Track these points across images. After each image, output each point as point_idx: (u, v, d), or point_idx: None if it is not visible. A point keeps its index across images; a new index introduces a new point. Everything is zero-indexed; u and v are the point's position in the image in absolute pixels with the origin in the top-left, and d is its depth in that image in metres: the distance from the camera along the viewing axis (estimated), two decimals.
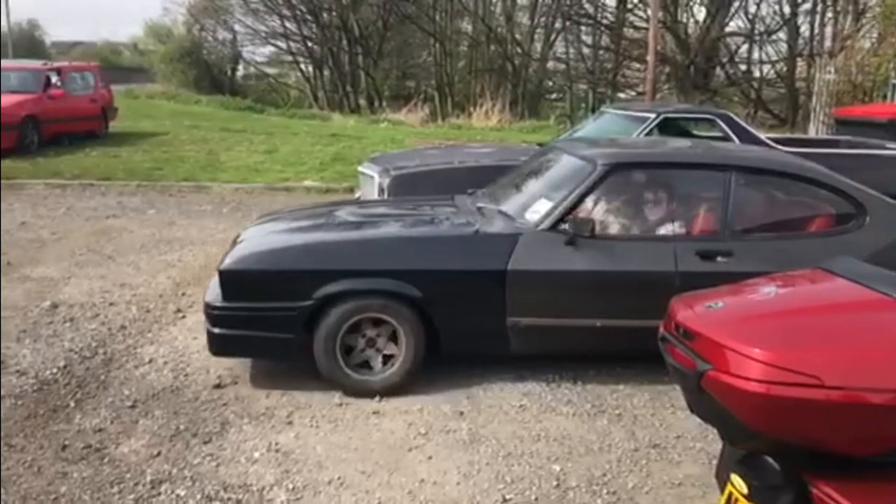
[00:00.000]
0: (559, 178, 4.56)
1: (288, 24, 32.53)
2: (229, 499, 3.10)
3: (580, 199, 4.24)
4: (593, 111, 16.72)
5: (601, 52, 28.08)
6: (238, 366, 4.24)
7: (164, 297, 5.58)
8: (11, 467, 3.26)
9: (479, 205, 4.67)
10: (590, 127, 8.23)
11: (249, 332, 4.05)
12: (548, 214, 4.19)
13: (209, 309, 4.07)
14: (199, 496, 3.11)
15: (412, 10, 29.24)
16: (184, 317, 5.19)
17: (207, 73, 32.91)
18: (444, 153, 8.15)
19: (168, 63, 31.99)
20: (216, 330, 4.05)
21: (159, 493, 3.12)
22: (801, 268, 4.02)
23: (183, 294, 5.66)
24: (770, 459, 2.06)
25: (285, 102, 30.00)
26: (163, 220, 8.28)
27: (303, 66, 34.46)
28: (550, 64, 29.59)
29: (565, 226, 4.10)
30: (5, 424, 3.62)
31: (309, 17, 31.44)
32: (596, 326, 4.11)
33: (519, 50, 28.16)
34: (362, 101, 30.64)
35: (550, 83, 30.42)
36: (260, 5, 31.41)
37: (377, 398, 3.98)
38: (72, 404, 3.84)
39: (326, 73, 33.18)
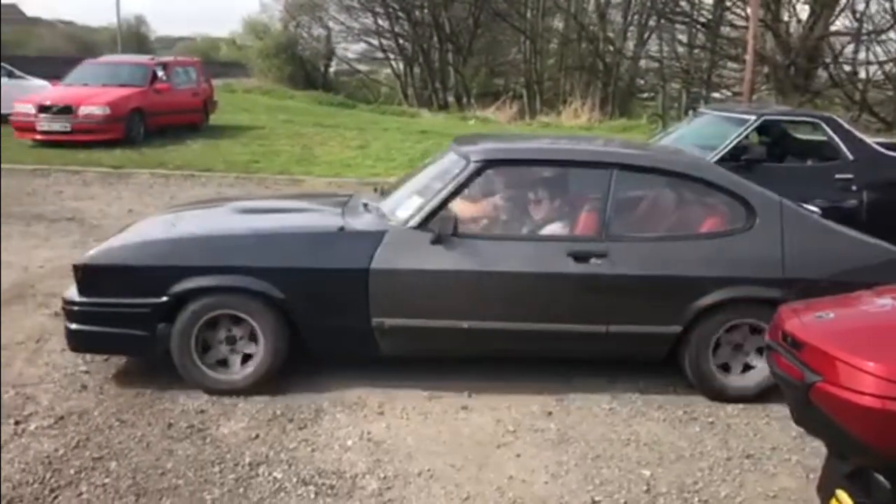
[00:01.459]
0: (437, 174, 4.35)
1: (381, 21, 32.98)
2: (323, 484, 3.19)
3: (450, 197, 4.04)
4: (686, 111, 16.34)
5: (696, 50, 27.37)
6: (328, 360, 4.34)
7: None
8: (123, 441, 3.45)
9: (365, 201, 4.44)
10: (686, 128, 8.05)
11: (105, 328, 3.92)
12: (416, 212, 4.02)
13: (65, 304, 3.98)
14: (294, 479, 3.22)
15: (503, 8, 29.19)
16: None
17: (301, 68, 33.69)
18: None
19: (264, 58, 32.88)
20: (72, 326, 3.95)
21: (257, 475, 3.24)
22: (682, 271, 3.90)
23: None
24: (880, 477, 2.00)
25: (376, 98, 30.46)
26: None
27: (394, 62, 34.89)
28: (643, 62, 29.08)
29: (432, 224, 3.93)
30: (117, 401, 3.83)
31: (401, 14, 31.80)
32: (464, 328, 3.94)
33: (611, 48, 27.76)
34: (451, 98, 30.80)
35: (642, 82, 29.89)
36: (354, 2, 31.97)
37: (466, 394, 4.03)
38: (176, 387, 4.02)
39: (416, 69, 33.49)
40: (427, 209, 4.00)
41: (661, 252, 4.00)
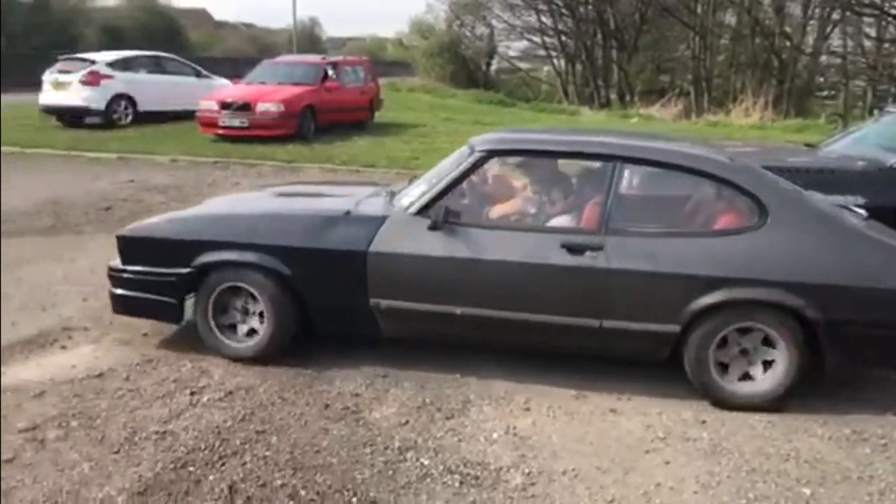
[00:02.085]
0: (448, 164, 4.34)
1: (544, 19, 32.89)
2: (468, 474, 3.25)
3: (452, 185, 4.11)
4: (871, 111, 15.13)
5: (886, 45, 25.26)
6: (477, 352, 4.40)
7: None
8: (284, 418, 3.67)
9: (393, 190, 4.59)
10: (870, 127, 7.47)
11: (140, 294, 4.32)
12: (417, 199, 4.11)
13: (109, 271, 4.42)
14: (440, 467, 3.29)
15: (672, 3, 28.22)
16: None
17: (464, 67, 34.21)
18: None
19: (428, 58, 33.67)
20: (115, 291, 4.41)
21: (405, 460, 3.35)
22: (680, 268, 3.69)
23: None
24: None
25: (535, 96, 30.38)
26: None
27: (555, 60, 34.69)
28: (823, 58, 27.23)
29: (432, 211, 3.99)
30: (279, 380, 4.08)
31: (565, 11, 31.54)
32: (457, 314, 3.96)
33: (788, 43, 26.16)
34: (613, 96, 30.22)
35: (822, 79, 27.98)
36: (518, 0, 32.01)
37: (615, 396, 3.96)
38: (334, 369, 4.22)
39: (578, 67, 33.11)
40: (427, 196, 4.09)
41: (661, 248, 3.81)
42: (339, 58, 17.33)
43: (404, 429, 3.61)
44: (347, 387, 4.02)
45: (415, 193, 4.22)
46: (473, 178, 4.31)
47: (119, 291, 4.42)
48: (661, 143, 4.41)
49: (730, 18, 28.94)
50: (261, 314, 4.23)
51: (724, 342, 3.84)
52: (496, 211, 4.44)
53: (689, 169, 4.02)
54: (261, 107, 13.25)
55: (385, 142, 13.66)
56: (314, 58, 16.65)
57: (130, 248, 4.38)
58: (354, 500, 3.06)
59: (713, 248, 3.80)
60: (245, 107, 13.27)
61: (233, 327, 4.32)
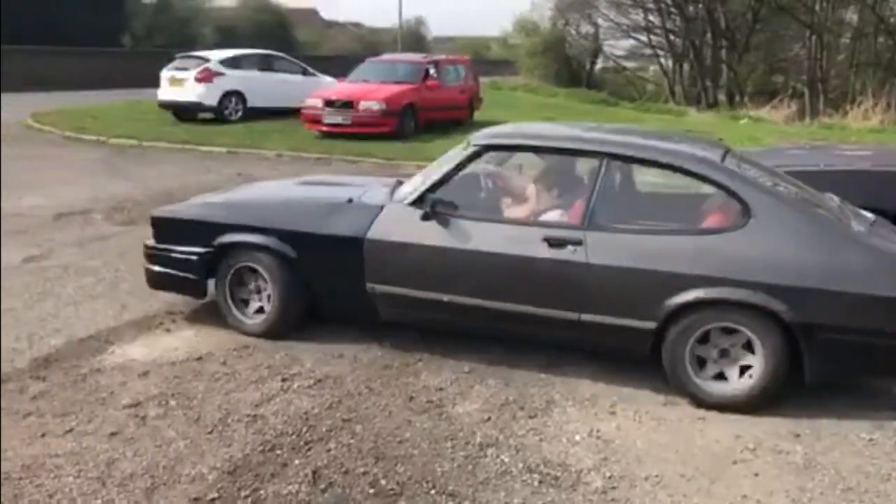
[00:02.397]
0: (447, 157, 4.55)
1: (651, 18, 32.22)
2: (548, 474, 3.23)
3: (446, 177, 4.29)
4: None
5: None
6: (564, 353, 4.36)
7: None
8: (369, 408, 3.75)
9: (401, 181, 4.85)
10: None
11: (170, 270, 4.70)
12: (413, 190, 4.32)
13: (145, 248, 4.84)
14: (520, 465, 3.29)
15: (787, 1, 27.09)
16: None
17: (567, 66, 33.91)
18: (810, 154, 7.48)
19: (532, 56, 33.54)
20: (149, 266, 4.82)
21: (485, 456, 3.36)
22: (657, 265, 3.71)
23: None
24: None
25: (640, 96, 29.79)
26: None
27: (662, 59, 33.91)
28: None
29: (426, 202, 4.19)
30: (367, 371, 4.17)
31: (673, 10, 30.79)
32: (443, 301, 4.13)
33: None
34: (721, 97, 29.30)
35: None
36: None
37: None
38: (420, 363, 4.28)
39: (686, 66, 32.24)
40: (423, 188, 4.28)
41: (641, 245, 3.85)
42: (441, 57, 17.48)
43: (486, 425, 3.63)
44: (432, 381, 4.07)
45: (413, 184, 4.43)
46: (468, 171, 4.45)
47: (152, 267, 4.82)
48: (651, 141, 4.44)
49: (850, 16, 27.54)
50: (269, 295, 4.54)
51: (705, 339, 3.81)
52: (488, 204, 4.58)
53: (674, 167, 4.02)
54: (363, 104, 13.53)
55: None
56: (416, 57, 16.86)
57: (162, 227, 4.80)
58: (433, 491, 3.10)
59: (693, 246, 3.80)
60: (348, 104, 13.58)
61: (247, 303, 4.65)
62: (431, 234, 4.15)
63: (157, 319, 4.83)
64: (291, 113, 15.06)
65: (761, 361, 3.71)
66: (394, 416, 3.68)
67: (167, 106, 16.08)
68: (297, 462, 3.26)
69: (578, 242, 3.90)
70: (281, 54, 18.68)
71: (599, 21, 34.45)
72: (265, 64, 17.29)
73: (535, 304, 4.00)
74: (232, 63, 16.27)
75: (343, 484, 3.13)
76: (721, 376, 3.83)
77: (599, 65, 37.27)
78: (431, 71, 15.17)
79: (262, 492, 3.06)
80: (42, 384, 3.89)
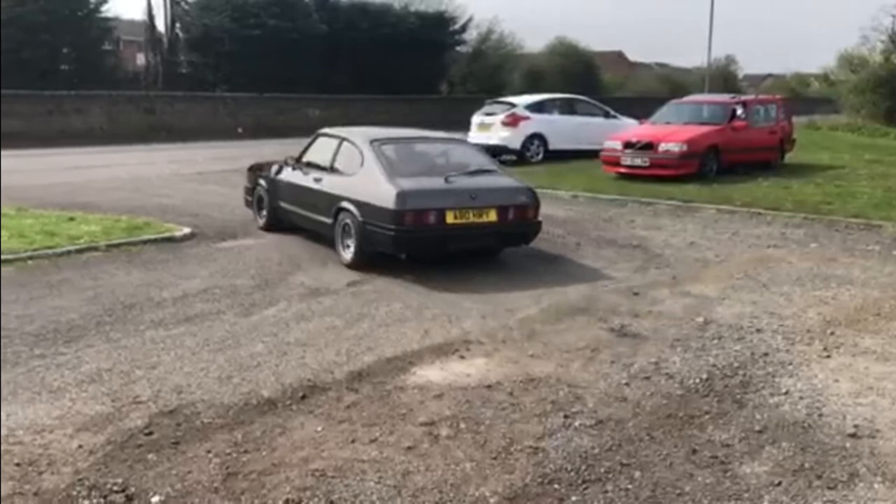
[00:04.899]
0: (308, 143, 9.05)
1: None
2: None
3: (305, 151, 8.72)
4: None
5: None
6: (868, 420, 3.92)
7: (811, 333, 5.49)
8: (649, 455, 3.70)
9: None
10: None
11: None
12: (299, 156, 8.77)
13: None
14: None
15: None
16: (828, 356, 5.04)
17: None
18: None
19: (858, 94, 30.62)
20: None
21: None
22: (332, 191, 7.74)
23: (831, 333, 5.48)
24: None
25: None
26: (824, 255, 8.09)
27: None
28: None
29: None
30: (651, 418, 4.12)
31: None
32: (295, 211, 8.56)
33: None
34: None
35: None
36: None
37: None
38: (707, 416, 4.13)
39: None
40: (298, 155, 8.75)
41: (335, 180, 7.80)
42: (750, 97, 16.69)
43: (776, 490, 3.40)
44: (719, 435, 3.91)
45: (295, 157, 8.81)
46: (311, 148, 8.68)
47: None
48: (361, 129, 8.77)
49: None
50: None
51: (344, 230, 7.47)
52: (314, 162, 8.46)
53: (347, 139, 8.06)
54: (663, 146, 13.35)
55: (792, 184, 12.77)
56: (722, 97, 16.29)
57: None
58: None
59: (341, 181, 7.69)
60: (647, 146, 13.48)
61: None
62: (290, 176, 8.67)
63: (454, 346, 5.20)
64: (591, 154, 15.30)
65: (353, 241, 7.33)
66: (674, 468, 3.60)
67: None
68: (573, 499, 3.33)
69: (321, 179, 8.01)
70: (583, 97, 19.11)
71: None
72: (567, 107, 17.81)
73: (315, 212, 8.05)
74: (536, 107, 16.99)
75: None
76: (347, 248, 7.57)
77: None
78: (738, 111, 14.55)
79: None
80: (354, 395, 4.39)
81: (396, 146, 7.80)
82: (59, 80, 25.06)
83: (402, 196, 6.79)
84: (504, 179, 7.68)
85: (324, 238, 8.02)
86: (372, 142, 7.59)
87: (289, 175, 8.52)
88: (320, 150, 8.37)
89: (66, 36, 26.47)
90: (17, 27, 24.18)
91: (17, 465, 3.51)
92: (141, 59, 31.83)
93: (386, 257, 7.18)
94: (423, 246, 7.06)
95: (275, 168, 8.90)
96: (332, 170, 7.85)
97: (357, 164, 7.44)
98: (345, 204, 7.27)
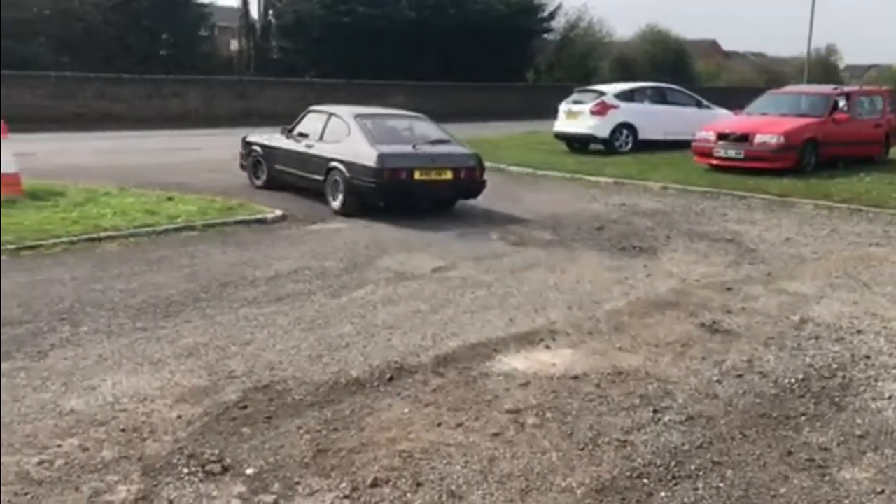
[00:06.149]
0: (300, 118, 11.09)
1: None
2: None
3: (296, 124, 10.62)
4: None
5: None
6: None
7: None
8: (742, 454, 3.60)
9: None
10: None
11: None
12: (291, 127, 10.68)
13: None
14: None
15: None
16: None
17: None
18: None
19: None
20: None
21: None
22: (324, 154, 9.82)
23: None
24: None
25: None
26: None
27: None
28: None
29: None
30: (744, 416, 4.00)
31: None
32: (287, 171, 10.39)
33: None
34: None
35: None
36: None
37: None
38: (803, 417, 3.99)
39: None
40: (290, 127, 10.62)
41: (323, 147, 9.69)
42: (854, 88, 15.93)
43: (879, 498, 3.26)
44: (816, 438, 3.77)
45: (286, 129, 10.79)
46: (302, 122, 10.54)
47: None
48: (346, 107, 10.68)
49: None
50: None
51: (334, 185, 9.40)
52: (304, 134, 10.31)
53: (335, 114, 9.98)
54: (759, 138, 12.91)
55: None
56: (824, 88, 15.60)
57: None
58: None
59: (330, 147, 9.55)
60: (742, 138, 13.06)
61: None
62: (283, 143, 10.44)
63: (539, 335, 5.18)
64: (682, 145, 14.93)
65: (341, 195, 9.27)
66: (769, 469, 3.49)
67: (562, 136, 17.01)
68: (662, 494, 3.27)
69: (312, 146, 9.86)
70: (675, 86, 18.63)
71: None
72: (658, 96, 17.40)
73: (306, 172, 9.92)
74: (626, 96, 16.66)
75: None
76: (336, 199, 9.50)
77: None
78: (840, 103, 13.92)
79: None
80: (440, 379, 4.42)
81: (374, 120, 9.75)
82: (158, 64, 26.02)
83: (381, 157, 8.81)
84: (457, 148, 9.69)
85: (410, 224, 8.08)
86: (356, 116, 9.69)
87: (283, 143, 10.49)
88: (311, 122, 10.37)
89: (166, 22, 27.43)
90: (124, 13, 25.19)
91: (122, 430, 3.69)
92: (234, 44, 32.67)
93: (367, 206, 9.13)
94: (396, 196, 9.02)
95: (265, 138, 11.10)
96: (322, 138, 9.81)
97: (344, 133, 9.46)
98: (335, 164, 9.27)
